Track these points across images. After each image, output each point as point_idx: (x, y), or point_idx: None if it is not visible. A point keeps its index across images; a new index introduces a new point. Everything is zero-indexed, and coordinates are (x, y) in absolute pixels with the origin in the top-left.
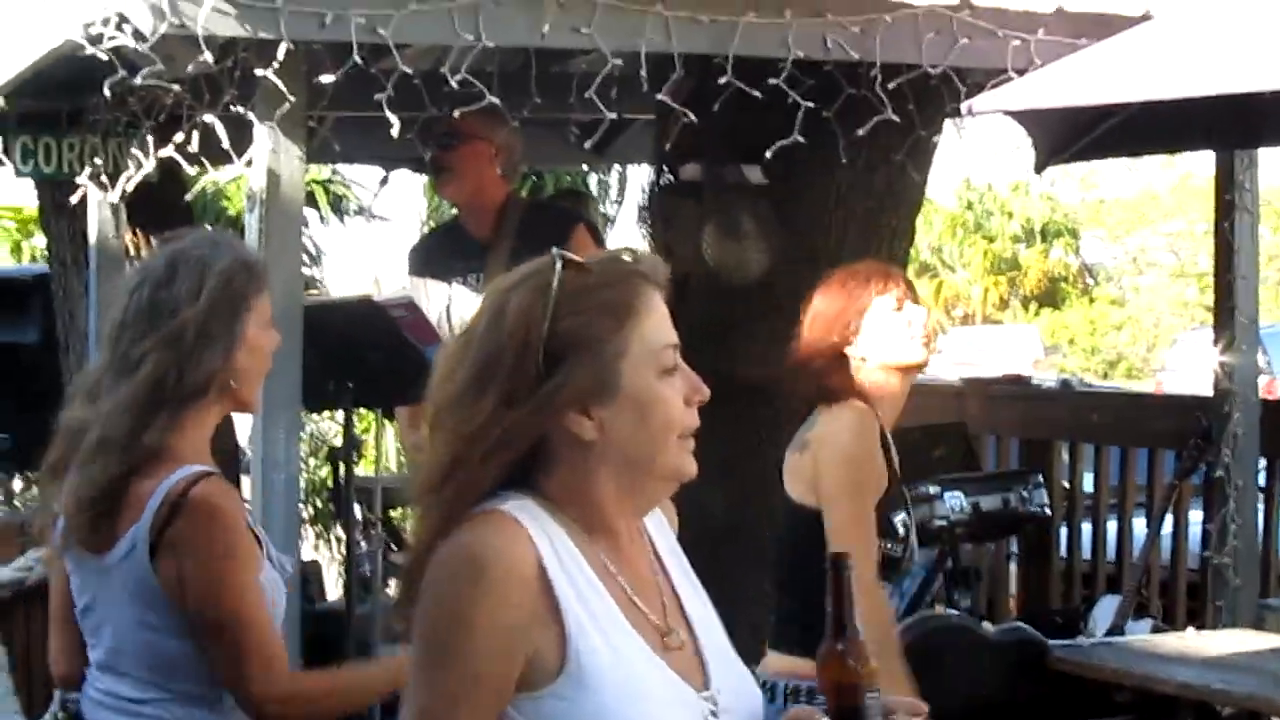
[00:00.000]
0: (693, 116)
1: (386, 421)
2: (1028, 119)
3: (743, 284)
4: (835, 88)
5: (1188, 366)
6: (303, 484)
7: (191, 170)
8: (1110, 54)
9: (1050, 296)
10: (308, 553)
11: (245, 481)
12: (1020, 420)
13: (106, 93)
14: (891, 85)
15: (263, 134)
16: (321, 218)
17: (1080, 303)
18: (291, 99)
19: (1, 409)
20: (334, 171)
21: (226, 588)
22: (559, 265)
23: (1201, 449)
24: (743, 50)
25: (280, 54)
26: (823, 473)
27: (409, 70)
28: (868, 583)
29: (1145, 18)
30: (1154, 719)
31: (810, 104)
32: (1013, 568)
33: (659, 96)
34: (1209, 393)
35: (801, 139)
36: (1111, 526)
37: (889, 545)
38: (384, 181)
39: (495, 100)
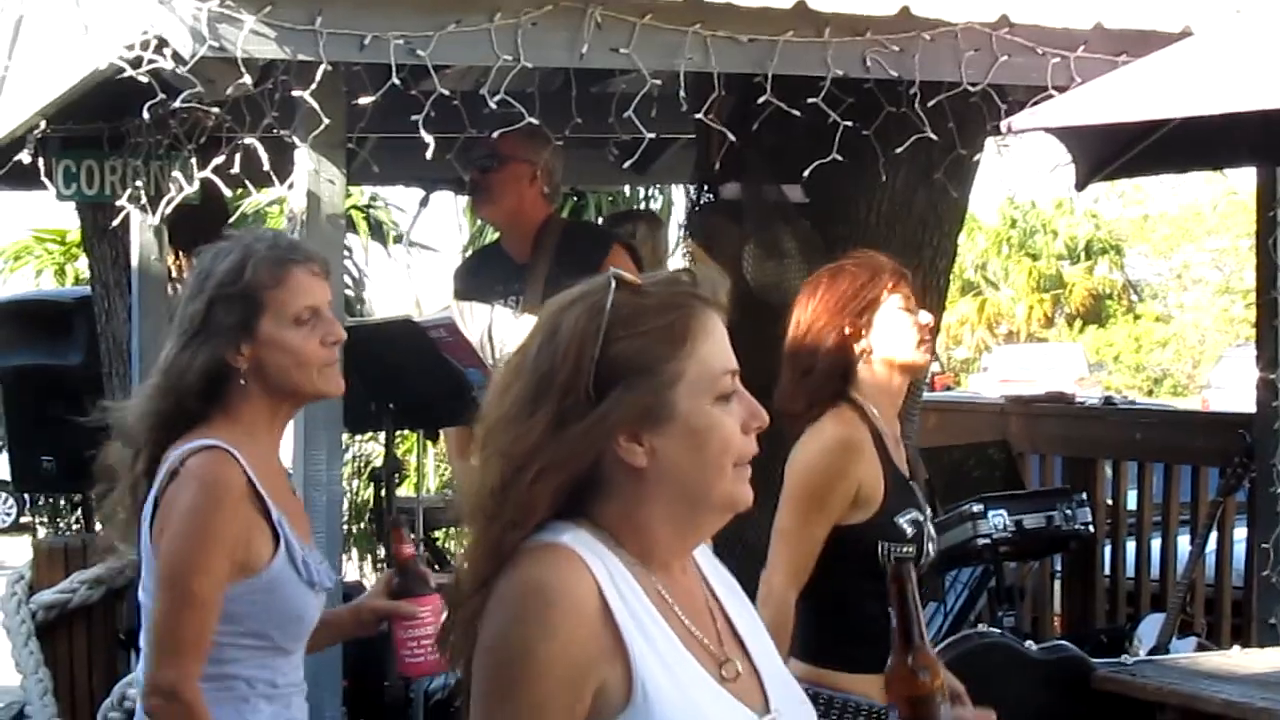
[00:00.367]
0: (732, 136)
1: (429, 443)
2: (1068, 136)
3: (783, 303)
4: (875, 106)
5: (1234, 383)
6: (345, 505)
7: (233, 192)
8: (1150, 70)
9: (1095, 314)
10: (351, 573)
11: None
12: (1064, 438)
13: (146, 116)
14: (931, 103)
15: (302, 156)
16: (363, 244)
17: (1125, 320)
18: (330, 121)
19: (44, 432)
20: (374, 197)
21: (182, 557)
22: (613, 286)
23: (1245, 466)
24: (782, 69)
25: (319, 76)
26: (786, 475)
27: (448, 91)
28: (777, 595)
29: (1185, 34)
30: None
31: (850, 123)
32: (1056, 586)
33: (698, 116)
34: (1253, 409)
35: (841, 158)
36: (1155, 544)
37: (899, 549)
38: (424, 203)
39: (535, 121)
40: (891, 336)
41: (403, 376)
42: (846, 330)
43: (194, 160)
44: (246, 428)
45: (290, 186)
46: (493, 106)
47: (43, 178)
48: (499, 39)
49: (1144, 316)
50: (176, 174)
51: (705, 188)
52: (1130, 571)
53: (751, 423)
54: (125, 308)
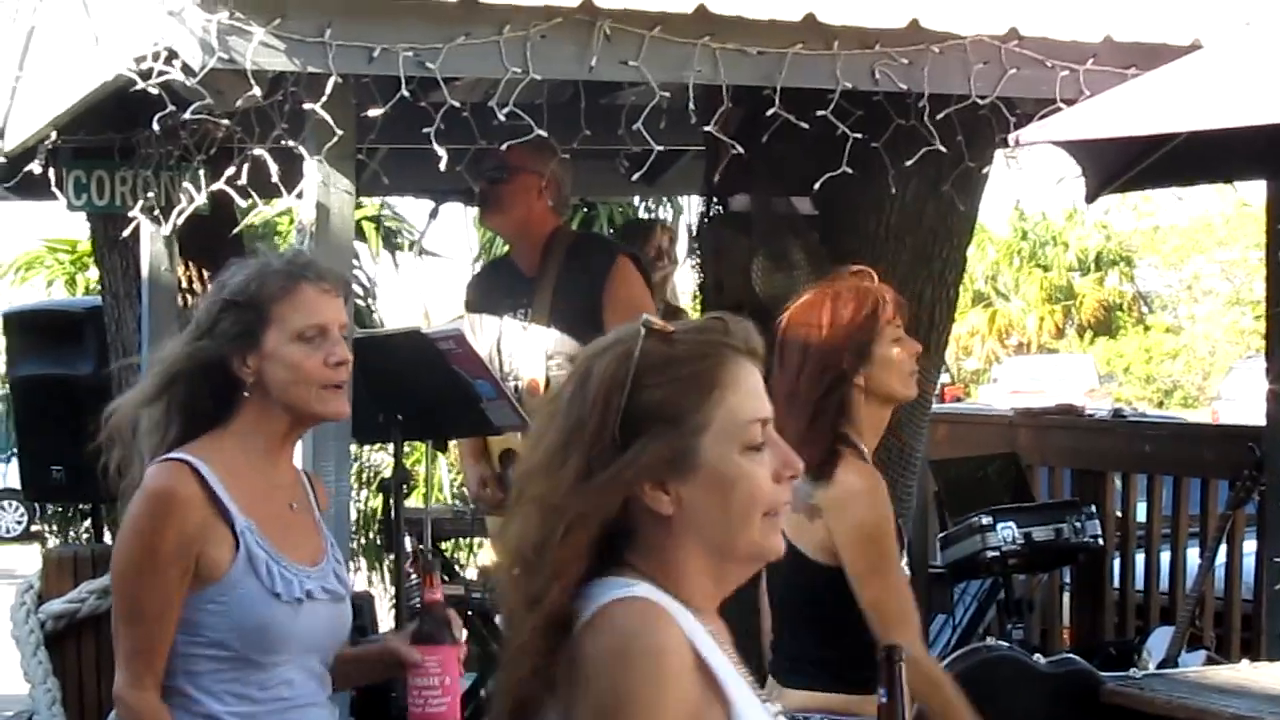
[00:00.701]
0: (741, 148)
1: (437, 454)
2: (1078, 149)
3: None
4: (884, 118)
5: (1244, 395)
6: (354, 515)
7: (243, 203)
8: (1160, 84)
9: (1106, 325)
10: (359, 584)
11: None
12: (1073, 450)
13: (156, 127)
14: (940, 116)
15: (312, 167)
16: (374, 254)
17: (1135, 331)
18: (340, 132)
19: (54, 441)
20: (383, 206)
21: (123, 568)
22: (643, 333)
23: (1255, 479)
24: (791, 82)
25: (329, 88)
26: (845, 547)
27: (457, 103)
28: (919, 655)
29: (1195, 47)
30: None
31: (859, 135)
32: (1065, 599)
33: (707, 128)
34: (1263, 422)
35: (850, 170)
36: (1165, 557)
37: None
38: (434, 214)
39: (543, 133)
40: (888, 371)
41: (411, 388)
42: (845, 368)
43: (204, 171)
44: (241, 439)
45: (300, 197)
46: (501, 118)
47: (53, 188)
48: (508, 51)
49: (1154, 328)
50: (186, 185)
51: (714, 199)
52: (1139, 584)
53: (784, 472)
54: (135, 317)
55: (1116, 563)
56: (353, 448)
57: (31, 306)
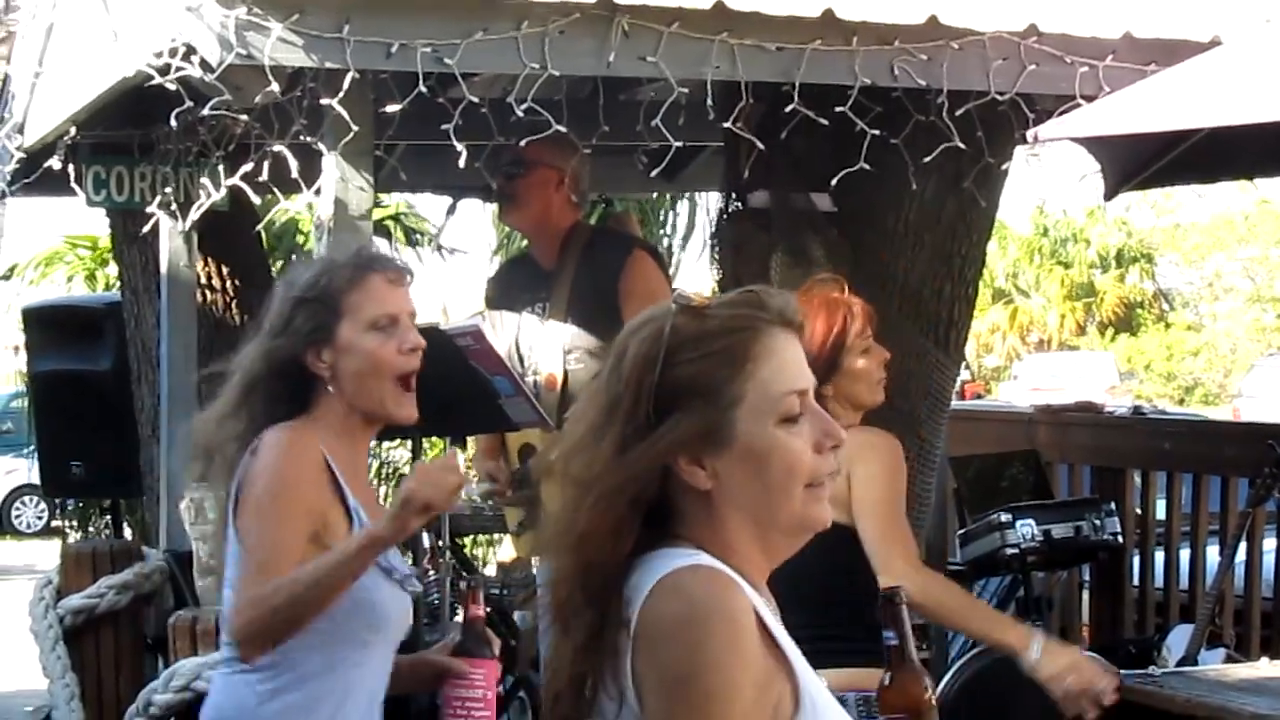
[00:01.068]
0: (760, 144)
1: (456, 450)
2: (1097, 146)
3: None
4: (903, 115)
5: (1265, 392)
6: None
7: (261, 199)
8: (1179, 80)
9: (1126, 322)
10: None
11: None
12: (1092, 447)
13: (175, 123)
14: (959, 112)
15: (330, 163)
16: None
17: (1156, 328)
18: (357, 128)
19: (73, 437)
20: (407, 205)
21: (255, 508)
22: (674, 309)
23: (1275, 477)
24: (810, 78)
25: (347, 84)
26: (859, 485)
27: (476, 99)
28: (926, 573)
29: (1214, 43)
30: None
31: (877, 131)
32: (1085, 596)
33: (726, 125)
34: None
35: (868, 166)
36: (1184, 555)
37: None
38: (451, 210)
39: (562, 128)
40: (856, 382)
41: (429, 384)
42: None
43: (222, 167)
44: (329, 426)
45: (318, 193)
46: (520, 114)
47: (73, 184)
48: (526, 47)
49: (1175, 325)
50: (205, 181)
51: (733, 195)
52: (1159, 582)
53: (825, 442)
54: (154, 313)
55: (1136, 560)
56: (371, 443)
57: (51, 302)
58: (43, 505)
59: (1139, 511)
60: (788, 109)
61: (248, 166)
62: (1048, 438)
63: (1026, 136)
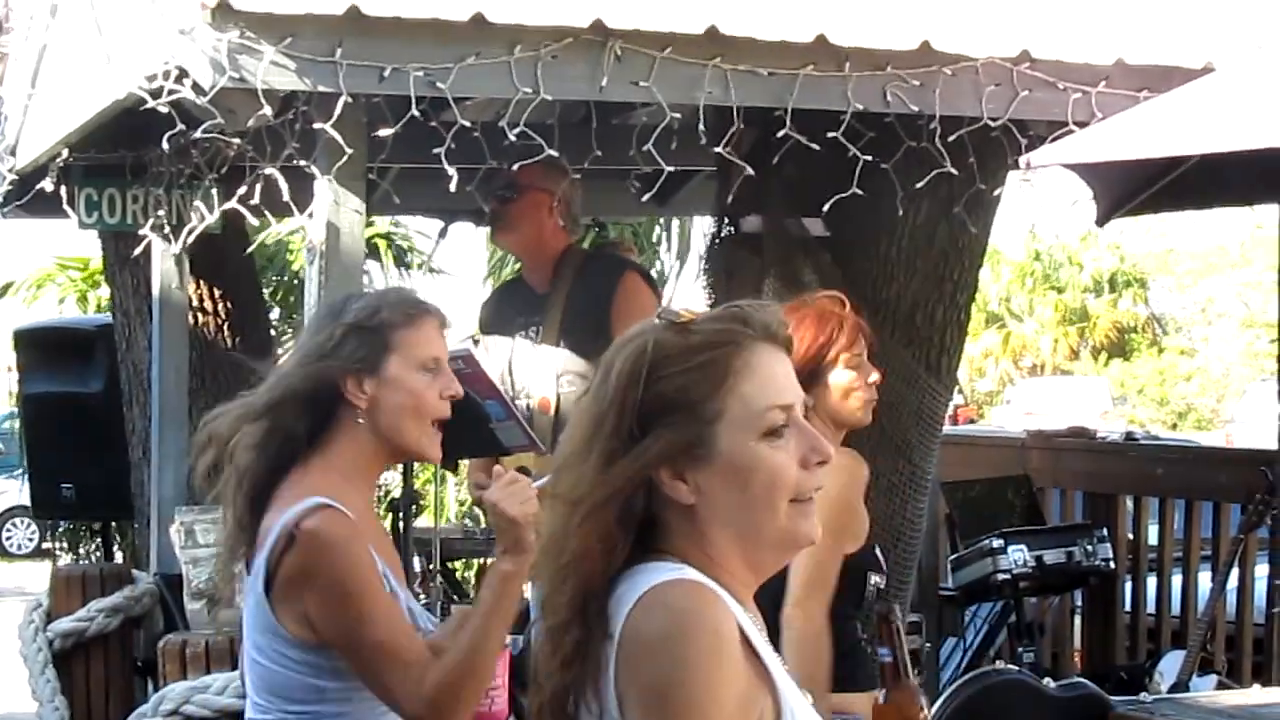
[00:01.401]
0: (752, 170)
1: (447, 474)
2: (1088, 172)
3: None
4: (895, 140)
5: (1258, 418)
6: None
7: (254, 222)
8: (1172, 107)
9: (1120, 347)
10: None
11: None
12: (1085, 473)
13: (167, 145)
14: (952, 138)
15: (323, 186)
16: (383, 270)
17: (1149, 353)
18: (350, 152)
19: (64, 459)
20: (395, 223)
21: (350, 615)
22: (657, 325)
23: (1267, 503)
24: (802, 103)
25: (339, 107)
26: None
27: (468, 123)
28: (817, 629)
29: (1207, 70)
30: None
31: (870, 157)
32: (1077, 622)
33: (718, 149)
34: (1276, 446)
35: (861, 192)
36: (1176, 580)
37: (880, 580)
38: (443, 233)
39: (554, 153)
40: (839, 397)
41: None
42: None
43: (215, 190)
44: (344, 474)
45: (311, 216)
46: (512, 138)
47: (65, 206)
48: (518, 71)
49: (1168, 350)
50: (198, 203)
51: (726, 220)
52: (1151, 608)
53: (812, 457)
54: (146, 336)
55: (1128, 586)
56: None
57: (43, 324)
58: (34, 527)
59: (1131, 537)
60: (780, 134)
61: (241, 190)
62: (1040, 463)
63: (1019, 162)
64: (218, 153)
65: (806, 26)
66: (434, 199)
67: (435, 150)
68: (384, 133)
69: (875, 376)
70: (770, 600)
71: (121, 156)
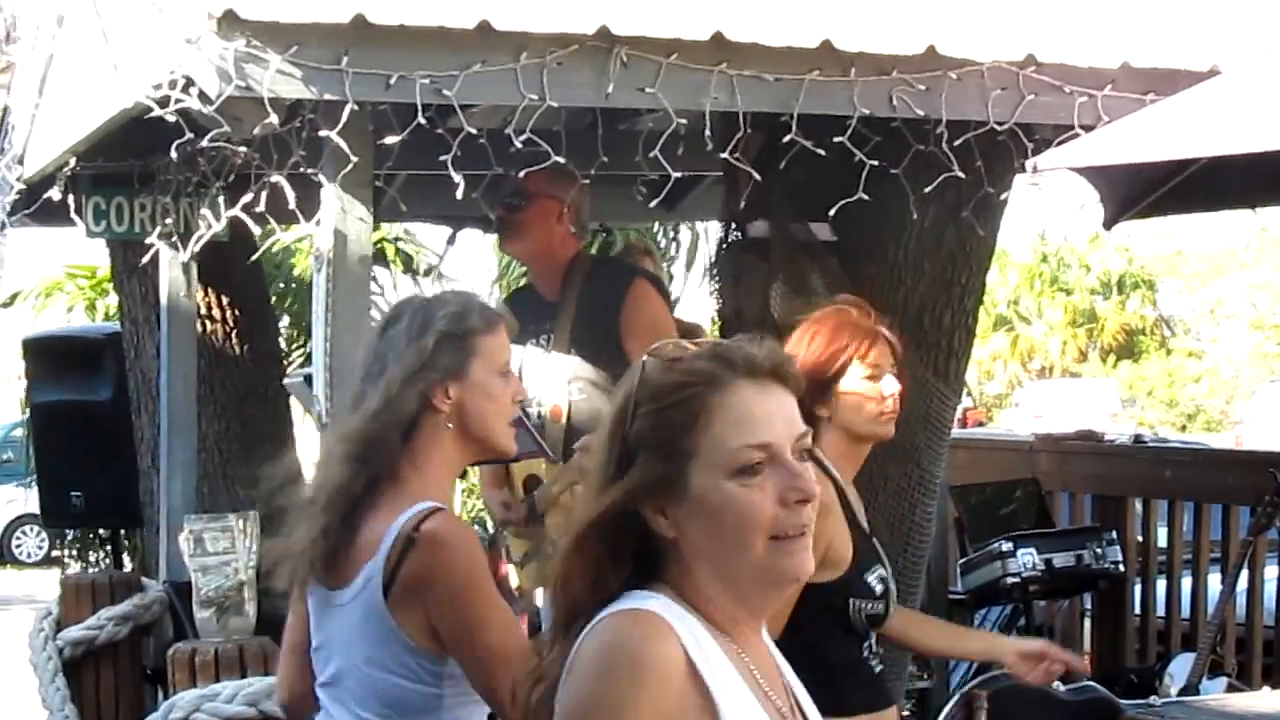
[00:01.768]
0: (758, 175)
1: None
2: (1095, 175)
3: None
4: (902, 145)
5: (1267, 419)
6: None
7: (260, 230)
8: (1178, 110)
9: (1128, 349)
10: None
11: None
12: (1094, 476)
13: (174, 154)
14: (958, 142)
15: (329, 194)
16: (391, 278)
17: (1158, 355)
18: (357, 159)
19: (73, 467)
20: (405, 230)
21: (469, 617)
22: (644, 361)
23: (1276, 505)
24: (808, 108)
25: (345, 115)
26: None
27: (475, 130)
28: None
29: (1213, 73)
30: None
31: (876, 161)
32: (1086, 625)
33: (724, 155)
34: None
35: (867, 197)
36: (1186, 583)
37: (869, 605)
38: (451, 240)
39: (561, 159)
40: (851, 408)
41: None
42: (809, 400)
43: (222, 198)
44: (434, 480)
45: (318, 224)
46: (519, 145)
47: (73, 215)
48: (525, 78)
49: (1177, 352)
50: (205, 211)
51: (733, 226)
52: (1161, 610)
53: (790, 495)
54: (154, 344)
55: (1138, 589)
56: None
57: (51, 333)
58: (43, 535)
59: (1140, 540)
60: (786, 139)
61: (247, 197)
62: (1049, 466)
63: (1026, 166)
64: (225, 161)
65: (812, 31)
66: (441, 206)
67: (442, 157)
68: (390, 140)
69: (895, 388)
70: None
71: (129, 165)
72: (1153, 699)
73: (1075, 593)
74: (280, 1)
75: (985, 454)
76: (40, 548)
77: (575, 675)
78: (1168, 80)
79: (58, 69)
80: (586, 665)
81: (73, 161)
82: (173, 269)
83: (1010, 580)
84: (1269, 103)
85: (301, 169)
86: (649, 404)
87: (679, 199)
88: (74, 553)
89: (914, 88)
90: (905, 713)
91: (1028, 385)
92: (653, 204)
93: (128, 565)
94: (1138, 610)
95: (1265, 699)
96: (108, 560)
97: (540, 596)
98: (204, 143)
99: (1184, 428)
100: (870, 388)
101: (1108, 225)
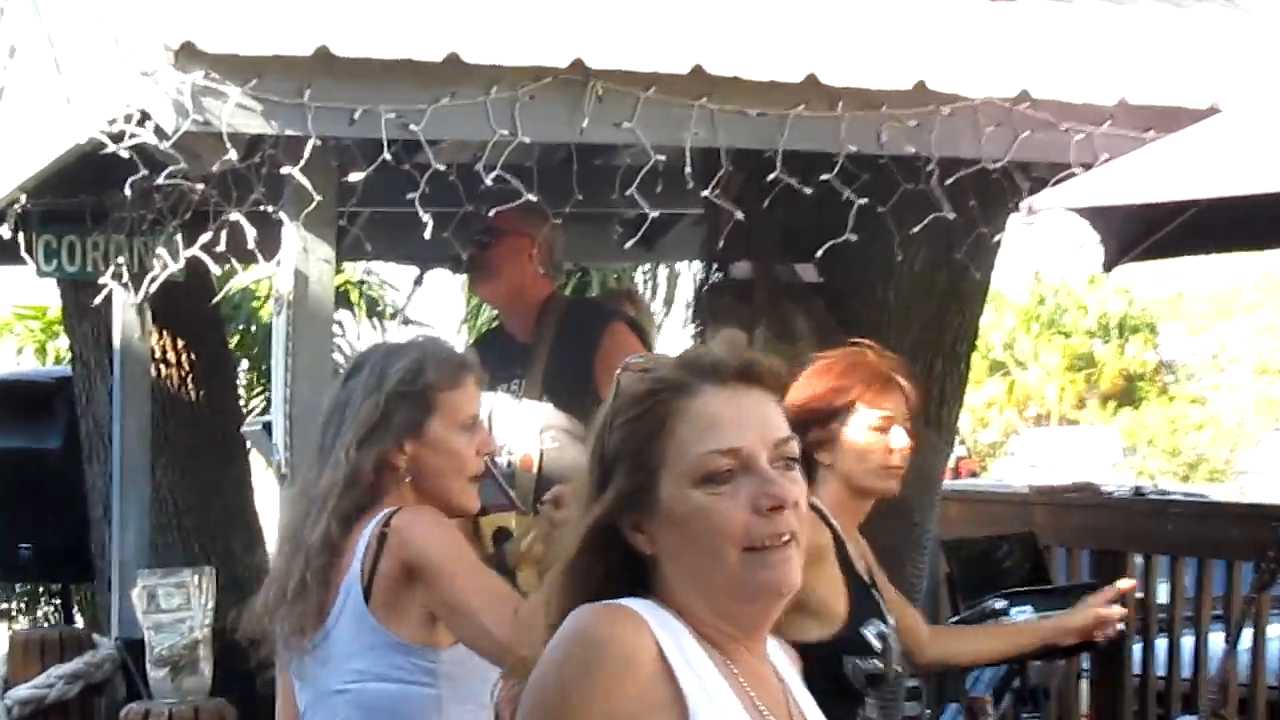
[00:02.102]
0: (740, 213)
1: None
2: (1094, 215)
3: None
4: (891, 183)
5: (1272, 469)
6: None
7: (219, 270)
8: (1178, 149)
9: (1128, 395)
10: None
11: None
12: (1092, 530)
13: (129, 191)
14: (950, 180)
15: (291, 233)
16: (355, 320)
17: (1159, 401)
18: (320, 197)
19: (21, 518)
20: (368, 272)
21: (446, 574)
22: (619, 374)
23: (1279, 560)
24: (793, 145)
25: (308, 151)
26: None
27: (443, 166)
28: None
29: (1213, 110)
30: None
31: (864, 200)
32: (1084, 686)
33: (705, 193)
34: None
35: (855, 237)
36: (1187, 642)
37: (867, 663)
38: (419, 281)
39: (533, 197)
40: (855, 457)
41: None
42: (808, 438)
43: (179, 237)
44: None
45: (278, 264)
46: (489, 182)
47: (23, 253)
48: (495, 112)
49: (1178, 398)
50: (161, 251)
51: (714, 266)
52: (1161, 670)
53: (764, 502)
54: (107, 388)
55: (1137, 648)
56: None
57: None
58: None
59: (1140, 596)
60: (770, 177)
61: (205, 236)
62: (1045, 519)
63: (1020, 206)
64: (181, 198)
65: (796, 65)
66: (408, 246)
67: (409, 195)
68: (354, 177)
69: (904, 443)
70: None
71: (81, 202)
72: None
73: (1072, 653)
74: (240, 33)
75: (978, 506)
76: None
77: (541, 661)
78: (1167, 117)
79: (8, 102)
80: (549, 651)
81: (23, 198)
82: (126, 311)
83: None
84: (1271, 142)
85: (262, 207)
86: (621, 415)
87: (658, 238)
88: (22, 607)
89: (903, 124)
90: None
91: (1023, 433)
92: (630, 243)
93: (79, 621)
94: (1137, 670)
95: None
96: (58, 615)
97: None
98: (160, 179)
99: (1186, 478)
100: (876, 439)
101: (1107, 267)
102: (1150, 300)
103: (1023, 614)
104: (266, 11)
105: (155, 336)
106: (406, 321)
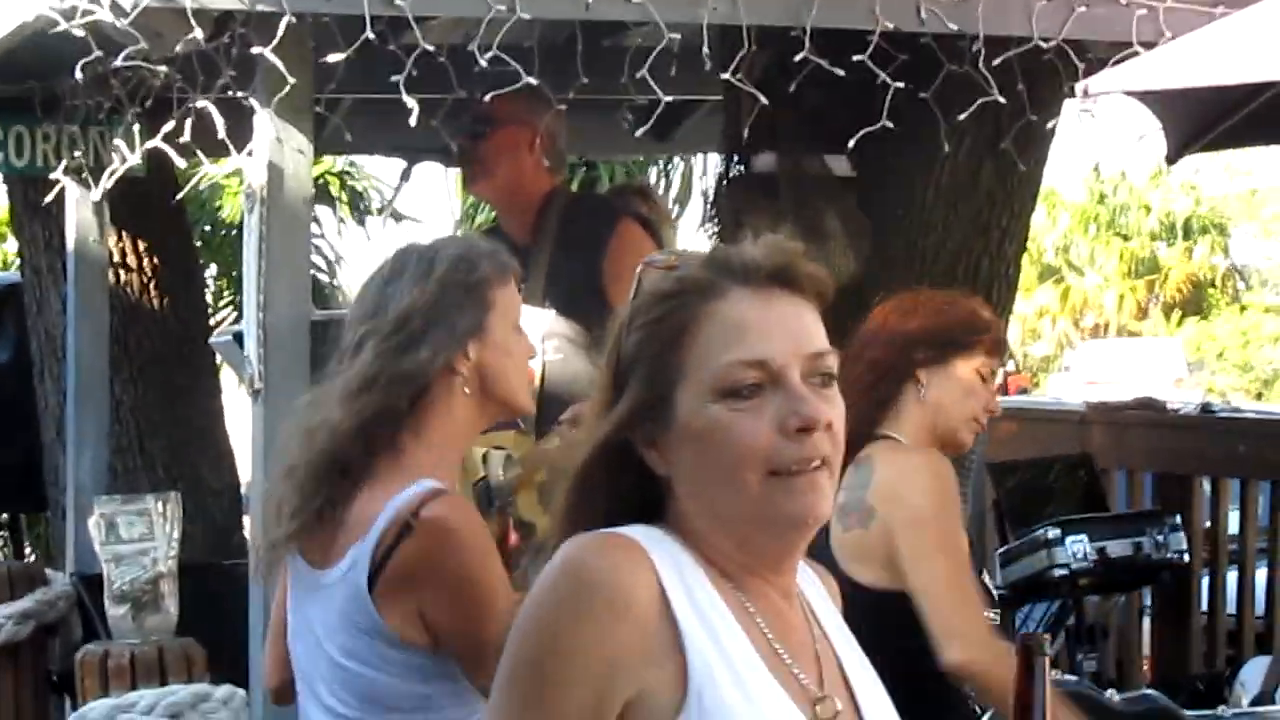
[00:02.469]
0: (765, 99)
1: None
2: (1157, 101)
3: None
4: (932, 64)
5: None
6: None
7: (184, 164)
8: (1252, 24)
9: (1195, 304)
10: None
11: (247, 522)
12: (1155, 451)
13: (82, 75)
14: (998, 61)
15: (263, 121)
16: (339, 218)
17: (1230, 311)
18: (294, 81)
19: None
20: (350, 163)
21: (473, 611)
22: (640, 271)
23: None
24: (822, 21)
25: (281, 29)
26: (902, 540)
27: (432, 47)
28: (1000, 646)
29: None
30: None
31: (902, 84)
32: (1146, 625)
33: (725, 76)
34: None
35: (892, 125)
36: (1261, 575)
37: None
38: (405, 176)
39: (534, 81)
40: (958, 393)
41: None
42: (913, 362)
43: (138, 127)
44: (440, 451)
45: (250, 156)
46: (484, 64)
47: None
48: None
49: (1251, 307)
50: (119, 142)
51: (735, 158)
52: (1231, 608)
53: (792, 422)
54: (60, 297)
55: (1205, 582)
56: None
57: None
58: None
59: (1209, 526)
60: (797, 57)
61: (168, 126)
62: (1103, 440)
63: (1075, 89)
64: (141, 83)
65: None
66: (394, 136)
67: (394, 79)
68: (334, 58)
69: (995, 402)
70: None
71: (30, 89)
72: (1221, 709)
73: (1133, 587)
74: None
75: (1029, 426)
76: None
77: (531, 592)
78: None
79: None
80: (538, 586)
81: None
82: (81, 209)
83: (1057, 572)
84: None
85: (231, 92)
86: (640, 317)
87: (671, 127)
88: None
89: None
90: None
91: (1079, 346)
92: (641, 133)
93: (30, 555)
94: (1205, 607)
95: None
96: (7, 549)
97: None
98: (118, 62)
99: (1260, 395)
100: (979, 386)
101: (1172, 159)
102: (1220, 198)
103: (1078, 544)
104: None
105: (114, 238)
106: (395, 218)
